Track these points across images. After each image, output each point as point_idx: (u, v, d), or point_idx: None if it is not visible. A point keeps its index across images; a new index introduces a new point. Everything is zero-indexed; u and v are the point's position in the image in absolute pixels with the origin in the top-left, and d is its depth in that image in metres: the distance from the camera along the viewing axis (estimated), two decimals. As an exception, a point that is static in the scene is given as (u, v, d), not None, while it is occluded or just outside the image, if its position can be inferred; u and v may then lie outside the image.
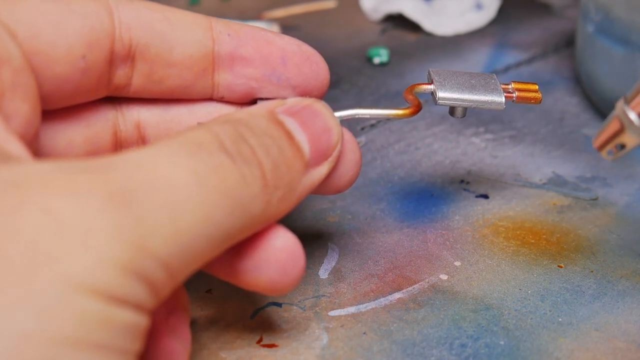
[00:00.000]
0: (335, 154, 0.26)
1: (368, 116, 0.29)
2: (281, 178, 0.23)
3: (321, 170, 0.25)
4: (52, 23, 0.24)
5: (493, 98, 0.30)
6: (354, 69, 0.47)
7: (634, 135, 0.25)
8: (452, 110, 0.30)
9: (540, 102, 0.30)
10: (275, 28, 0.50)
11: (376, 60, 0.48)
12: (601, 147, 0.26)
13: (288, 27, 0.52)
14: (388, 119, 0.35)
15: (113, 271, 0.18)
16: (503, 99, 0.30)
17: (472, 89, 0.30)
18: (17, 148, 0.22)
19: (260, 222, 0.23)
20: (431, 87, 0.30)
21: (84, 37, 0.25)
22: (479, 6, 0.53)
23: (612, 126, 0.26)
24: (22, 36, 0.24)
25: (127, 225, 0.19)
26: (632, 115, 0.25)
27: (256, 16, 0.53)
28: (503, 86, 0.30)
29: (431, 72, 0.30)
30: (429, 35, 0.52)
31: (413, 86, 0.30)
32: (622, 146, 0.25)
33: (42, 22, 0.24)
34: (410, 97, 0.30)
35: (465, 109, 0.30)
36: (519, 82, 0.31)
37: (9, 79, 0.23)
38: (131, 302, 0.19)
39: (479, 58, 0.50)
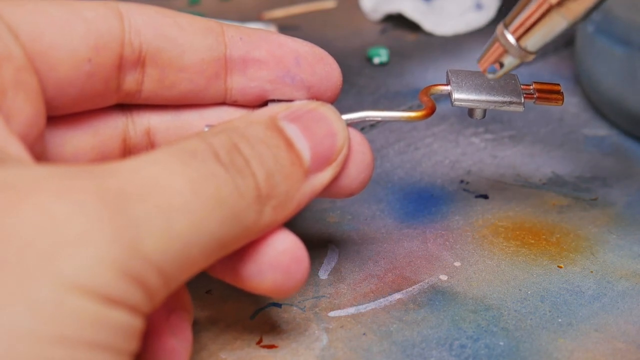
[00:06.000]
0: (340, 158, 0.26)
1: (379, 119, 0.28)
2: (275, 187, 0.23)
3: (324, 176, 0.25)
4: (56, 25, 0.24)
5: (511, 99, 0.29)
6: (353, 69, 0.47)
7: (513, 56, 0.27)
8: (470, 111, 0.29)
9: (562, 104, 0.30)
10: (272, 29, 0.50)
11: (376, 60, 0.48)
12: (485, 68, 0.28)
13: (288, 27, 0.52)
14: (398, 122, 0.34)
15: (106, 272, 0.18)
16: (522, 101, 0.29)
17: (490, 90, 0.29)
18: (16, 149, 0.22)
19: (255, 231, 0.23)
20: (448, 88, 0.29)
21: (90, 40, 0.25)
22: (478, 6, 0.53)
23: (493, 49, 0.27)
24: (24, 37, 0.24)
25: (121, 228, 0.19)
26: (511, 38, 0.27)
27: (256, 16, 0.53)
28: (524, 87, 0.29)
29: (449, 73, 0.30)
30: (428, 35, 0.52)
31: (429, 87, 0.29)
32: (502, 64, 0.27)
33: (45, 23, 0.24)
34: (425, 98, 0.29)
35: (484, 110, 0.29)
36: (540, 82, 0.30)
37: (11, 77, 0.23)
38: (124, 304, 0.19)
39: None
